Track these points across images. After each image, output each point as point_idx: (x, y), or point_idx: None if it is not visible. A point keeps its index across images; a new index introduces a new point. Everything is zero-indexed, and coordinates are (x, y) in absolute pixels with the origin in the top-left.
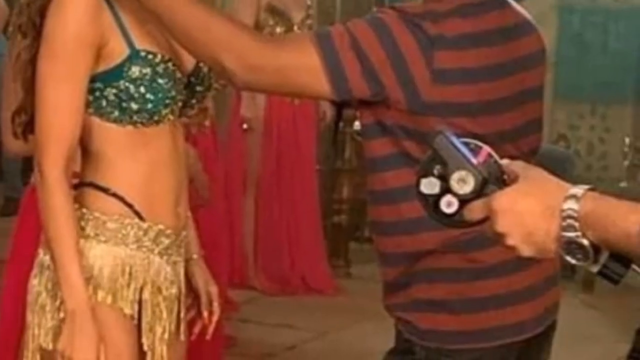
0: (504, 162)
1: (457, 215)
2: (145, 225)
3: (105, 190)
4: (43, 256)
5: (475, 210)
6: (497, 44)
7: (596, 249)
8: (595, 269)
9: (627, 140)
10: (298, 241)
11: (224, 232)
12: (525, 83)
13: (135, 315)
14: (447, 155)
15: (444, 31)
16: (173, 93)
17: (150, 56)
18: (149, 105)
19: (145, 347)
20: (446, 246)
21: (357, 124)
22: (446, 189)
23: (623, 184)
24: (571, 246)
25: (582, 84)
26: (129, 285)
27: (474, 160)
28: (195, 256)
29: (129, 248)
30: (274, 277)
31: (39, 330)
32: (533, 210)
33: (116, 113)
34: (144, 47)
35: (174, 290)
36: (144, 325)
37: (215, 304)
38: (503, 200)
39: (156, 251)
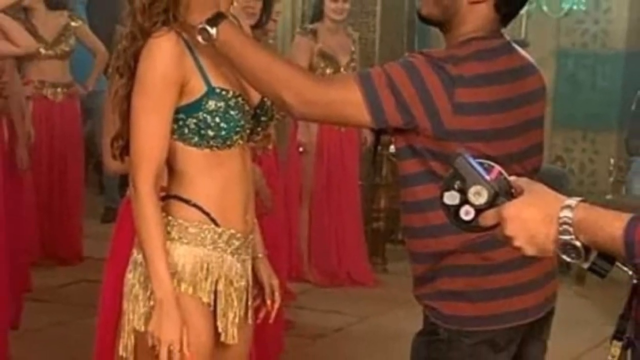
0: (512, 178)
1: (474, 222)
2: (219, 230)
3: (187, 201)
4: (136, 255)
5: (488, 218)
6: (507, 83)
7: (587, 249)
8: (586, 265)
9: (612, 160)
10: (344, 243)
11: (283, 235)
12: (529, 114)
13: (212, 303)
14: (465, 173)
15: (463, 72)
16: (242, 122)
17: (224, 92)
18: (223, 133)
19: (220, 329)
20: (464, 247)
21: (392, 148)
22: (465, 201)
23: (609, 197)
24: (566, 247)
25: (576, 115)
26: (206, 278)
27: (488, 177)
28: (260, 255)
29: (207, 248)
30: (324, 272)
31: (133, 315)
32: (535, 218)
33: (196, 139)
34: (218, 85)
35: (243, 283)
36: (219, 312)
37: (277, 294)
38: (511, 209)
39: (229, 251)
